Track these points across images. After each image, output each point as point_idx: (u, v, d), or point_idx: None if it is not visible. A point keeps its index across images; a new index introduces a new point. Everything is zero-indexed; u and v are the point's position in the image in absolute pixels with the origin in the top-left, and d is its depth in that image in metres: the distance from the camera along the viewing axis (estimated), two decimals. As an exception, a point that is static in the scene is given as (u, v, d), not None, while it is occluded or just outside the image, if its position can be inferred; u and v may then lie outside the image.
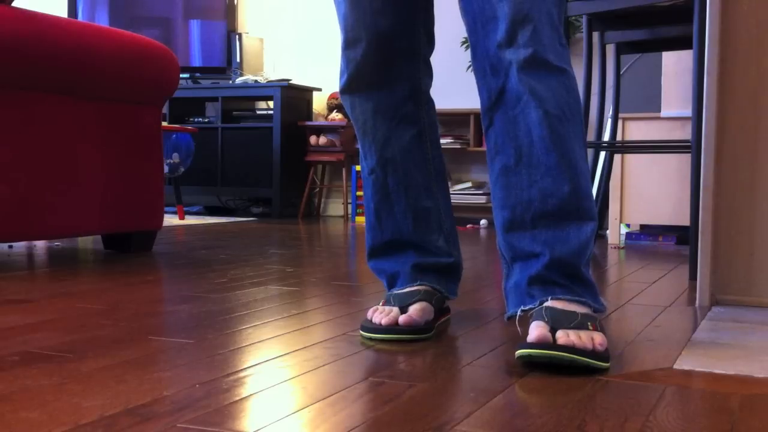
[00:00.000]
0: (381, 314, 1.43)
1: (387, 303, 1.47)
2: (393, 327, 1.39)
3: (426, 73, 1.54)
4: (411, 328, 1.39)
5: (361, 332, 1.42)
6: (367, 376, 1.14)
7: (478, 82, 1.38)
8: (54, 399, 1.00)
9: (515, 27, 1.29)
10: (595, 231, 1.34)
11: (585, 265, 1.33)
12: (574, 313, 1.25)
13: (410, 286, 1.49)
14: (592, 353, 1.18)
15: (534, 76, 1.30)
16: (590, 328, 1.23)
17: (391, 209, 1.53)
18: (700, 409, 1.01)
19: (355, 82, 1.49)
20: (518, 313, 1.34)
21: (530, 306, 1.31)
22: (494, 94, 1.35)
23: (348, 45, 1.47)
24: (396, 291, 1.50)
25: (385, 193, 1.53)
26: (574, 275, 1.31)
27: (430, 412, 0.98)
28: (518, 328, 1.33)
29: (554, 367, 1.18)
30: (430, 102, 1.56)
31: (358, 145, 1.55)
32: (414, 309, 1.42)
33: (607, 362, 1.20)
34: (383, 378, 1.13)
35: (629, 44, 3.20)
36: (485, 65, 1.35)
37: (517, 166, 1.33)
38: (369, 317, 1.45)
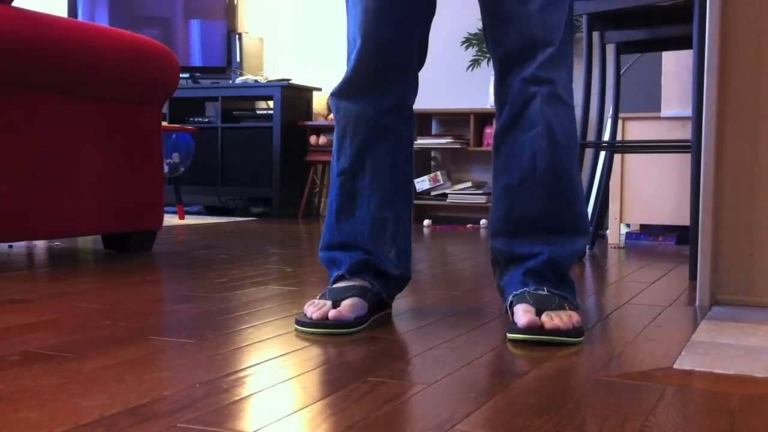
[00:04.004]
0: (314, 308, 1.48)
1: (323, 297, 1.52)
2: (322, 321, 1.44)
3: (413, 89, 1.62)
4: (339, 323, 1.44)
5: (296, 325, 1.47)
6: (367, 376, 1.14)
7: (497, 107, 1.57)
8: (54, 399, 1.00)
9: (542, 67, 1.49)
10: (586, 245, 1.57)
11: (570, 269, 1.56)
12: (552, 295, 1.46)
13: (348, 281, 1.54)
14: (573, 331, 1.38)
15: (551, 108, 1.50)
16: (566, 308, 1.45)
17: (352, 213, 1.58)
18: (700, 409, 1.02)
19: (347, 88, 1.57)
20: (510, 299, 1.50)
21: (521, 290, 1.49)
22: (510, 119, 1.53)
23: (350, 54, 1.55)
24: (333, 286, 1.54)
25: (350, 196, 1.58)
26: (562, 275, 1.53)
27: (430, 412, 0.98)
28: (509, 313, 1.50)
29: (539, 343, 1.37)
30: (412, 117, 1.64)
31: (334, 146, 1.60)
32: (345, 304, 1.47)
33: (583, 335, 1.41)
34: (383, 378, 1.13)
35: (629, 44, 3.19)
36: (507, 93, 1.53)
37: (521, 187, 1.52)
38: (304, 310, 1.50)
